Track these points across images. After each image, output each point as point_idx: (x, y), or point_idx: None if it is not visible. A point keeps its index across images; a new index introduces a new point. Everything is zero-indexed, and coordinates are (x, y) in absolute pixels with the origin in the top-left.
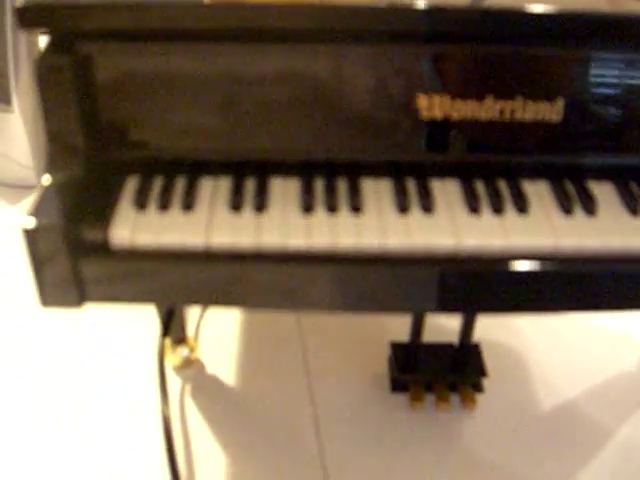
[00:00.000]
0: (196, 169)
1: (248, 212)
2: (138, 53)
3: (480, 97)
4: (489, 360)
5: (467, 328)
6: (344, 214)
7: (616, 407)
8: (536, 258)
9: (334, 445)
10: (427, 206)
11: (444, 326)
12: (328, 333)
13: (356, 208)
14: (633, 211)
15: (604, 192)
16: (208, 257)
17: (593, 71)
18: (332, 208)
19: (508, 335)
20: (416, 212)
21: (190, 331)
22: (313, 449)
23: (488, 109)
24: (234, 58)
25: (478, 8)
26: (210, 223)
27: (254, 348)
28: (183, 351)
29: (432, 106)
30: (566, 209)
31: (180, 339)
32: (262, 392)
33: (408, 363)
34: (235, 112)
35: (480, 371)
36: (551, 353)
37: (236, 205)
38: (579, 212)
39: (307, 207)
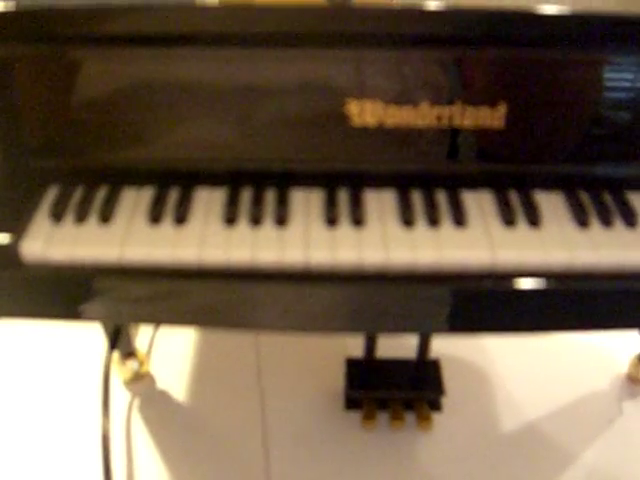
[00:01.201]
0: (119, 179)
1: (167, 224)
2: (53, 57)
3: (415, 103)
4: (450, 378)
5: (424, 344)
6: (268, 227)
7: (581, 429)
8: (470, 273)
9: (282, 464)
10: (358, 219)
11: (408, 342)
12: (286, 349)
13: (282, 221)
14: (582, 223)
15: (552, 203)
16: (124, 272)
17: (538, 74)
18: (257, 220)
19: (472, 352)
20: (346, 225)
21: (144, 345)
22: (260, 469)
23: (424, 116)
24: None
25: (407, 7)
26: (128, 235)
27: (208, 363)
28: (133, 365)
29: (364, 112)
30: (508, 220)
31: (129, 353)
32: (212, 408)
33: (362, 380)
34: (155, 121)
35: (438, 389)
36: (516, 371)
37: (156, 217)
38: (522, 223)
39: (230, 219)
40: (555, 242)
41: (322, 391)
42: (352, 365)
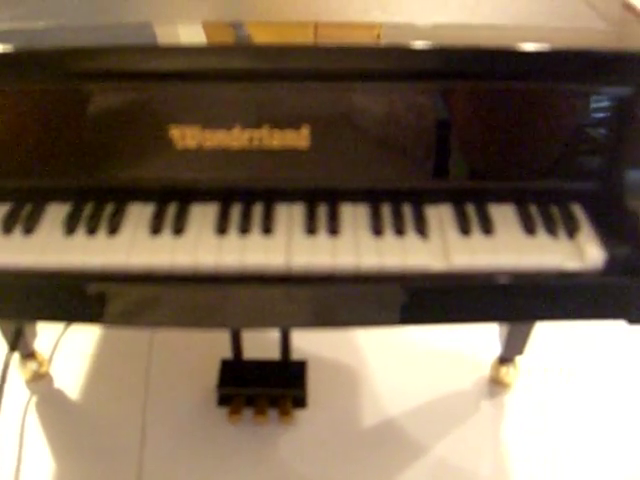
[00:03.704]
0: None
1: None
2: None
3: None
4: (319, 375)
5: (285, 344)
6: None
7: (438, 426)
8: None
9: (156, 456)
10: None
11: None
12: (177, 348)
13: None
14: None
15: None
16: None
17: (339, 99)
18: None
19: (343, 351)
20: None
21: (49, 346)
22: (134, 459)
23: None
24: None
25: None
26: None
27: (104, 362)
28: (32, 365)
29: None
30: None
31: (30, 354)
32: (100, 404)
33: (233, 378)
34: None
35: (301, 387)
36: (384, 371)
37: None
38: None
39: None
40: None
41: (202, 388)
42: (226, 364)
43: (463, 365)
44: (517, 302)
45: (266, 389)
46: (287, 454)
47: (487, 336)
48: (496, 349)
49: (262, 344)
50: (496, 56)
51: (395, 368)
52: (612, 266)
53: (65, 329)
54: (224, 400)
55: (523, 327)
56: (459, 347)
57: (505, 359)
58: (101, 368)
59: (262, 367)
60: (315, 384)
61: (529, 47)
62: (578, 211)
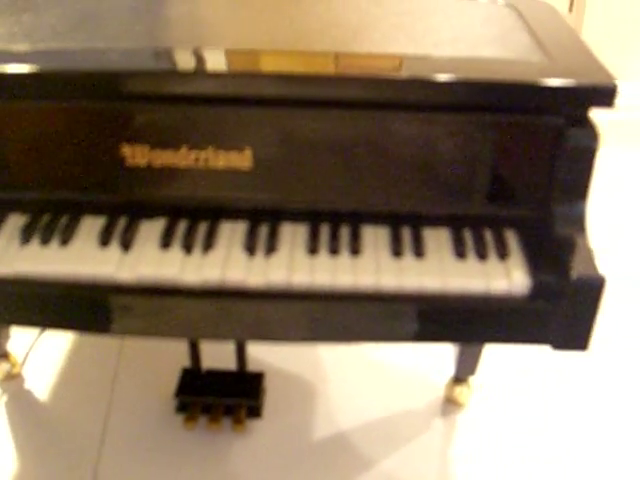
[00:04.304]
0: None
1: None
2: None
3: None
4: (276, 387)
5: (240, 355)
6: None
7: (390, 442)
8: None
9: (112, 460)
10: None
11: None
12: (146, 356)
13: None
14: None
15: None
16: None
17: (284, 124)
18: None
19: (302, 364)
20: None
21: (23, 348)
22: (91, 462)
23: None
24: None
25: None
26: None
27: (75, 366)
28: (5, 366)
29: (135, 154)
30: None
31: (3, 354)
32: (65, 406)
33: (192, 386)
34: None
35: (255, 397)
36: (340, 386)
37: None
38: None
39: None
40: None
41: (164, 395)
42: (186, 373)
43: (418, 383)
44: (446, 324)
45: (222, 398)
46: (239, 462)
47: (443, 356)
48: (451, 369)
49: (225, 355)
50: (440, 87)
51: (352, 384)
52: (537, 292)
53: (40, 333)
54: (182, 407)
55: (474, 347)
56: (415, 365)
57: (459, 379)
58: (71, 372)
59: (219, 377)
60: (272, 395)
61: (454, 78)
62: (511, 237)
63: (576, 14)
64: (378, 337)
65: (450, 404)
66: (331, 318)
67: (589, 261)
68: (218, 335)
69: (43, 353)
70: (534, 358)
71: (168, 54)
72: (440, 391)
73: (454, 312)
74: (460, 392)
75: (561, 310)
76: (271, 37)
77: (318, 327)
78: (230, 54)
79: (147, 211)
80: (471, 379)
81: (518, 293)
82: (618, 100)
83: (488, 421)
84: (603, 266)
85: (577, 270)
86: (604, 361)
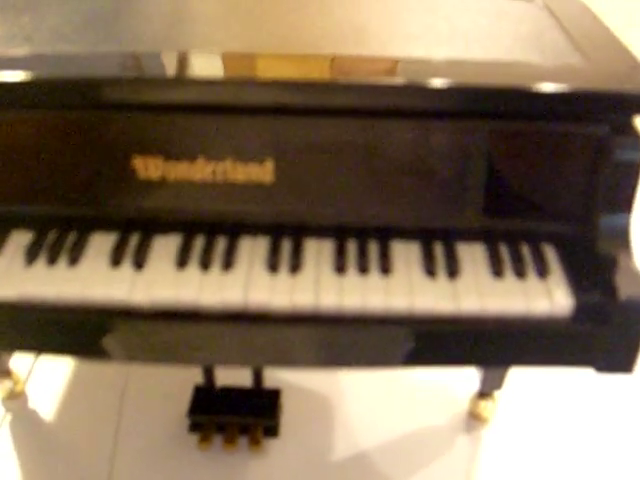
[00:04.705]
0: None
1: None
2: None
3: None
4: (294, 405)
5: (256, 371)
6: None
7: (412, 460)
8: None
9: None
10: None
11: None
12: (154, 374)
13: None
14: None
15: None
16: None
17: (308, 133)
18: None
19: (320, 382)
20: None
21: (26, 365)
22: None
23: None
24: None
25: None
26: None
27: (80, 384)
28: (8, 384)
29: (148, 167)
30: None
31: (5, 372)
32: (72, 426)
33: (205, 405)
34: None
35: (272, 416)
36: (359, 403)
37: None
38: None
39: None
40: None
41: (175, 414)
42: (198, 391)
43: (440, 398)
44: (483, 347)
45: (237, 417)
46: None
47: (465, 371)
48: (474, 383)
49: (239, 371)
50: (475, 94)
51: (371, 399)
52: (581, 313)
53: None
54: (195, 427)
55: None
56: (437, 381)
57: (483, 393)
58: (77, 390)
59: (234, 395)
60: (290, 413)
61: (494, 84)
62: (549, 253)
63: None
64: (410, 362)
65: (474, 419)
66: (362, 343)
67: (636, 280)
68: (240, 362)
69: (47, 369)
70: (565, 370)
71: (180, 59)
72: (464, 406)
73: (491, 335)
74: (485, 407)
75: (607, 332)
76: (292, 40)
77: (347, 353)
78: (249, 60)
79: (161, 227)
80: (497, 393)
81: (560, 314)
82: None
83: (514, 437)
84: None
85: (625, 291)
86: None
